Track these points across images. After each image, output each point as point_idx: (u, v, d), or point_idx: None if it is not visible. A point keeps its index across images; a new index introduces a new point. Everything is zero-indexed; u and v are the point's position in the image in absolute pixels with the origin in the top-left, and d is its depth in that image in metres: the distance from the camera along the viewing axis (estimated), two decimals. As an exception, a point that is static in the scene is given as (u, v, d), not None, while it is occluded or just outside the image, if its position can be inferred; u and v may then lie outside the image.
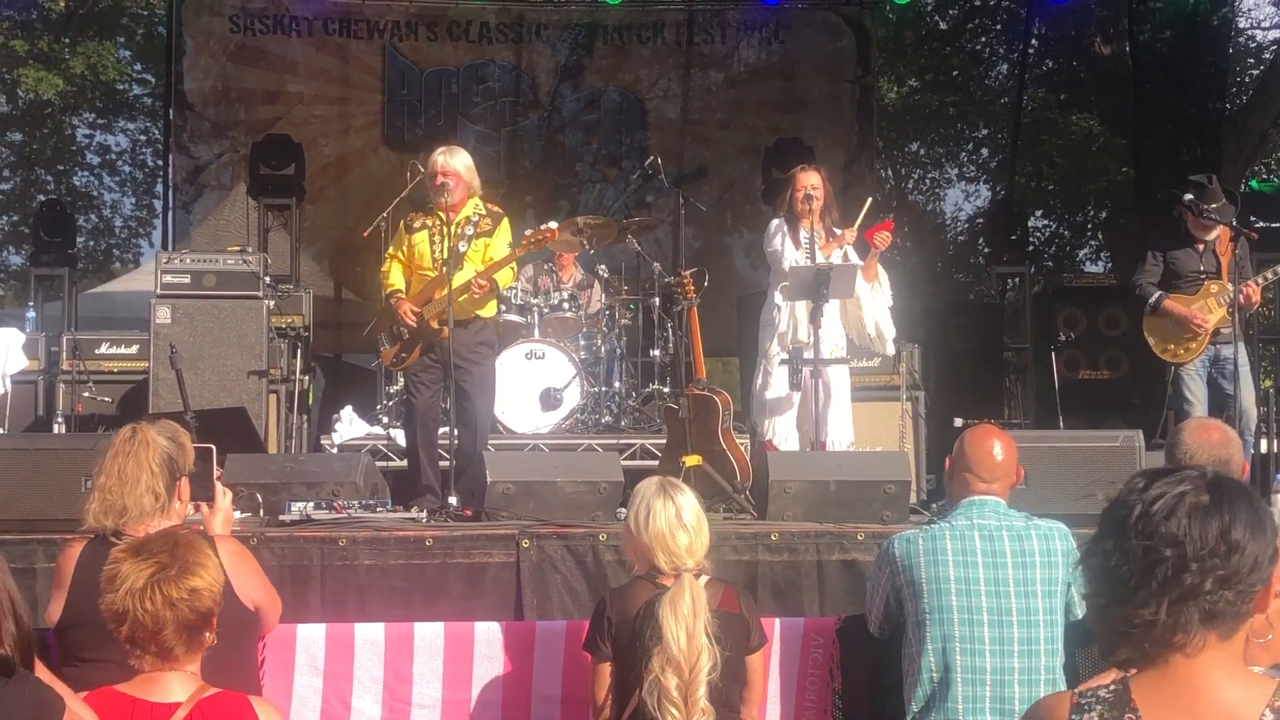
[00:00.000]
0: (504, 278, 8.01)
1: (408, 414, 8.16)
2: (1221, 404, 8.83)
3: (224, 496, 4.63)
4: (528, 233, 8.21)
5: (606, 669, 4.69)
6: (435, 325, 7.58)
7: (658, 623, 4.46)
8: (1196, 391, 8.83)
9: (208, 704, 3.34)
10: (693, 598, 4.49)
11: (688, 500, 4.69)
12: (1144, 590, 2.19)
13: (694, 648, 4.43)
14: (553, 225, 8.27)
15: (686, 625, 4.44)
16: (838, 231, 8.10)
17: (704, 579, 4.64)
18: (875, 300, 8.09)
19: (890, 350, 8.46)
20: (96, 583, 4.07)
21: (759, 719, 4.92)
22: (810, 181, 8.09)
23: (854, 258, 8.13)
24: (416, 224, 7.90)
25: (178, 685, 3.34)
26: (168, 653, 3.33)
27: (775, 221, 8.22)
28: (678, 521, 4.61)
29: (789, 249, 8.03)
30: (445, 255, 7.60)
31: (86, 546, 4.27)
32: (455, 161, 7.81)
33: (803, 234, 8.04)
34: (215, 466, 4.63)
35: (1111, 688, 2.25)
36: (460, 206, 7.78)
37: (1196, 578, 2.18)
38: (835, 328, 7.99)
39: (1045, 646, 4.49)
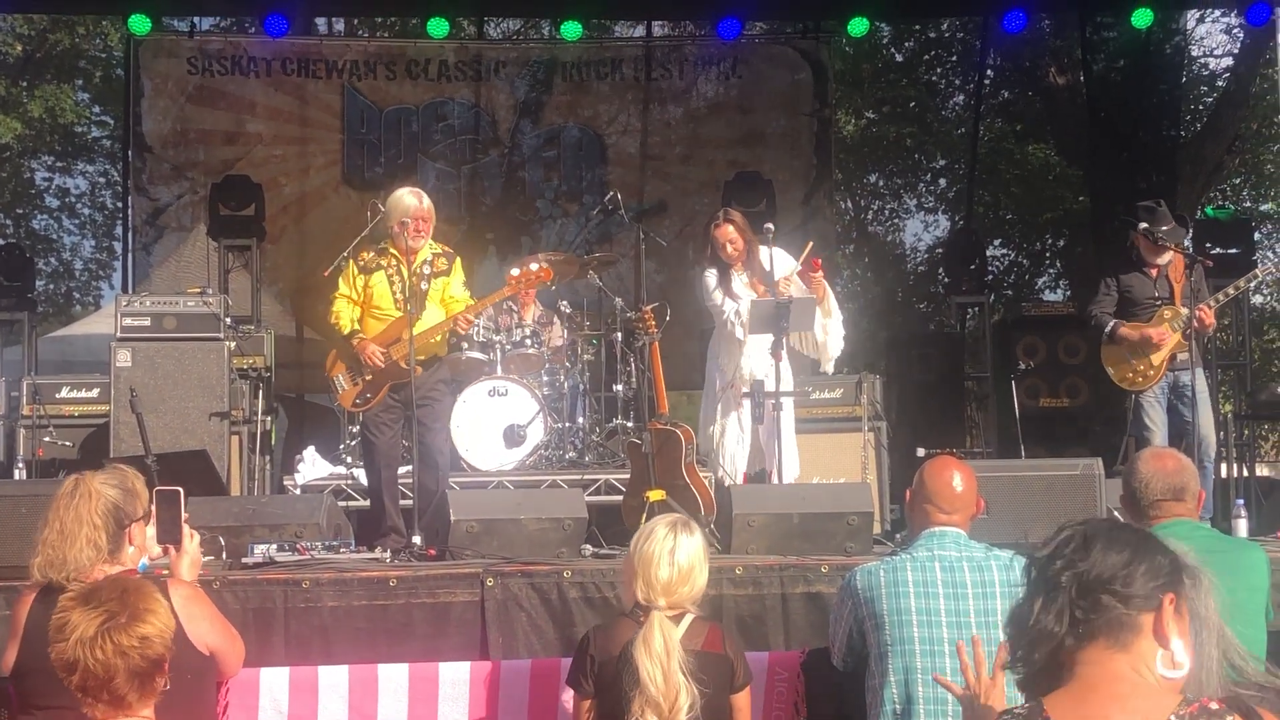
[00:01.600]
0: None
1: (369, 456, 8.13)
2: (1181, 431, 8.89)
3: (191, 541, 4.59)
4: (514, 272, 8.23)
5: (589, 705, 4.69)
6: (404, 366, 7.57)
7: (633, 664, 4.47)
8: (1156, 418, 8.89)
9: None
10: (663, 636, 4.50)
11: (690, 542, 4.69)
12: (1047, 611, 2.48)
13: (671, 687, 4.43)
14: (546, 265, 8.30)
15: (661, 664, 4.45)
16: (774, 276, 8.15)
17: (689, 619, 4.64)
18: (829, 320, 8.14)
19: (829, 369, 8.53)
20: (47, 631, 4.09)
21: None
22: (727, 236, 8.24)
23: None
24: (372, 264, 7.89)
25: None
26: (120, 700, 3.27)
27: (709, 273, 8.31)
28: (668, 556, 4.61)
29: (728, 302, 8.13)
30: (405, 295, 7.62)
31: (38, 595, 4.25)
32: (429, 206, 7.85)
33: (736, 280, 8.15)
34: (184, 510, 4.59)
35: (1027, 704, 2.45)
36: (419, 248, 7.81)
37: (1069, 580, 2.47)
38: (784, 363, 7.99)
39: (1006, 678, 4.50)
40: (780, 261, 8.16)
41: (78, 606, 3.31)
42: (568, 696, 4.92)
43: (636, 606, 4.65)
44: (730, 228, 8.28)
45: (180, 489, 4.60)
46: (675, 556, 4.62)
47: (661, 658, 4.46)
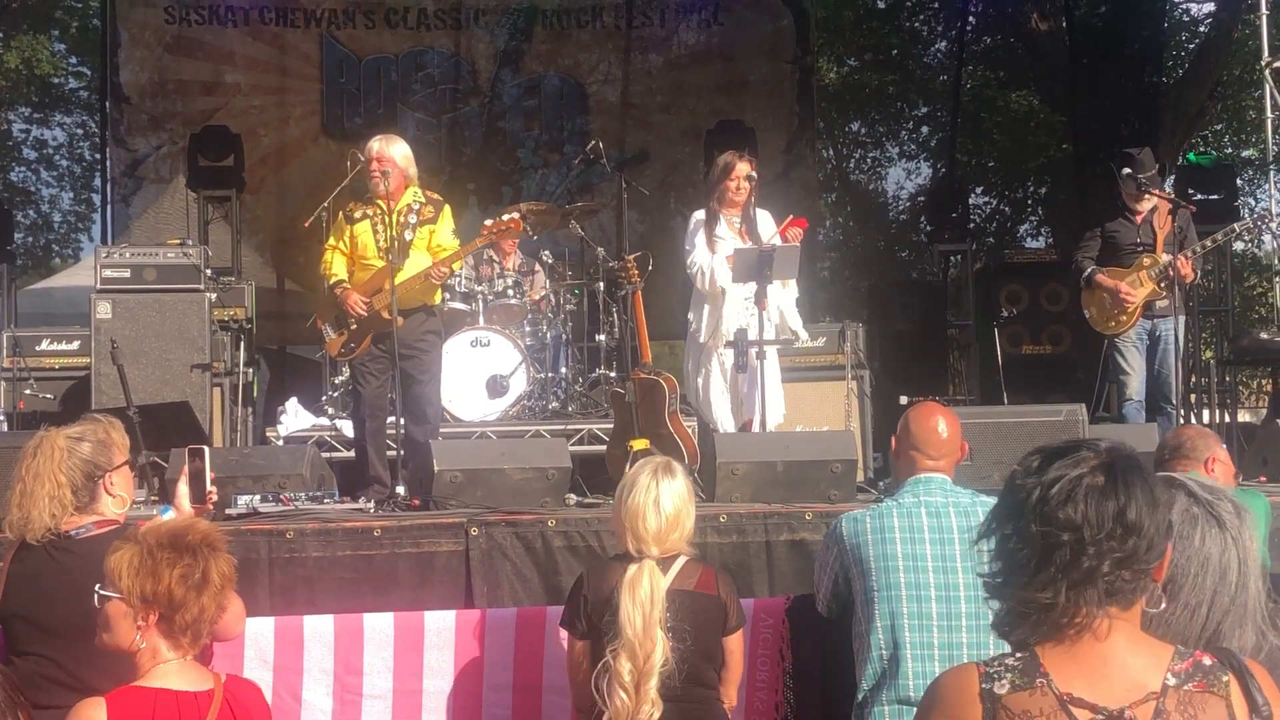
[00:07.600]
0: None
1: (355, 404, 8.14)
2: (1159, 375, 8.98)
3: (208, 500, 4.63)
4: (488, 222, 8.23)
5: (584, 646, 4.67)
6: (386, 315, 7.54)
7: (615, 606, 4.47)
8: (1133, 363, 8.99)
9: (231, 684, 3.41)
10: (651, 585, 4.49)
11: (673, 486, 4.66)
12: (1043, 574, 2.25)
13: (649, 637, 4.43)
14: (516, 215, 8.27)
15: (643, 611, 4.44)
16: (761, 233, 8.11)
17: (681, 560, 4.64)
18: (783, 294, 8.10)
19: (804, 337, 8.51)
20: (28, 580, 4.17)
21: (735, 700, 4.91)
22: (743, 171, 8.10)
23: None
24: (357, 214, 7.86)
25: (196, 672, 3.36)
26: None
27: (696, 215, 8.23)
28: (653, 506, 4.59)
29: (699, 253, 8.03)
30: (388, 244, 7.58)
31: (16, 551, 4.28)
32: (392, 150, 7.80)
33: (734, 222, 8.07)
34: (208, 468, 4.61)
35: (1019, 655, 2.30)
36: (399, 195, 7.77)
37: (1094, 560, 2.23)
38: (766, 311, 7.94)
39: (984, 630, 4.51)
40: (764, 222, 8.14)
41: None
42: (562, 639, 4.92)
43: (628, 554, 4.64)
44: (748, 165, 8.17)
45: (204, 447, 4.63)
46: (661, 505, 4.60)
47: (644, 605, 4.45)
